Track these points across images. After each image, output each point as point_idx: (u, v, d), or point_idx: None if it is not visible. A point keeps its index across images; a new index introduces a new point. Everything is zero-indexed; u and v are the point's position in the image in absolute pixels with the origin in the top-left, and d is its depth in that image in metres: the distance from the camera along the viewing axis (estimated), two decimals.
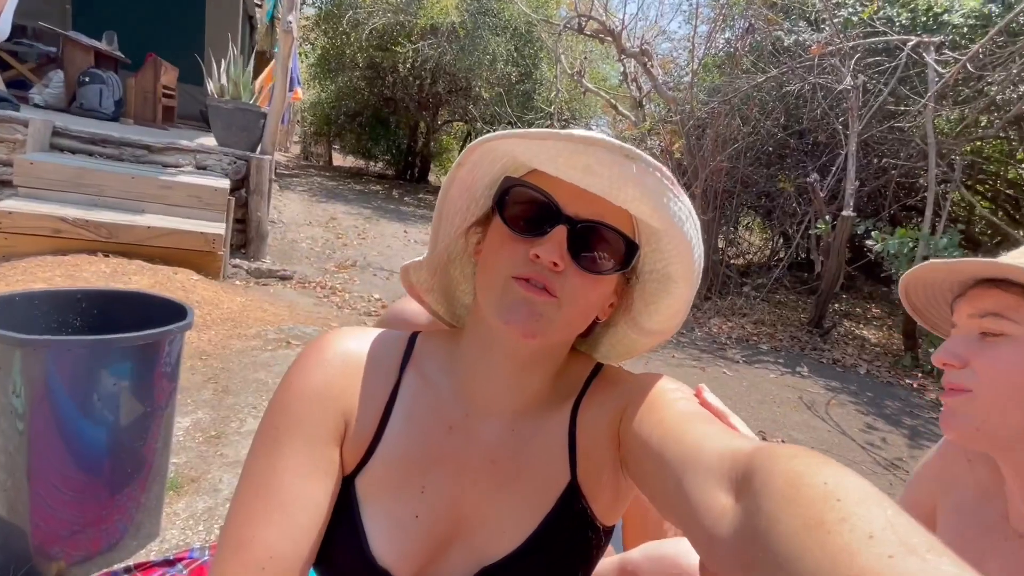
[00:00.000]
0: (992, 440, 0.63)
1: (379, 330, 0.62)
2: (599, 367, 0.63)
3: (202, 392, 2.20)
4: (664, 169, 0.44)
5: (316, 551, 0.52)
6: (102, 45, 5.61)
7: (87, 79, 5.26)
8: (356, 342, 0.59)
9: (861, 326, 5.84)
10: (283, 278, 4.35)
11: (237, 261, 4.25)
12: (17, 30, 4.96)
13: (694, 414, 0.51)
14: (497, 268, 0.51)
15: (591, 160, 0.44)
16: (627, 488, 0.60)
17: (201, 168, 4.29)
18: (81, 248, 3.28)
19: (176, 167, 4.18)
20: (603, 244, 0.50)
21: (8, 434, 1.24)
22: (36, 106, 5.01)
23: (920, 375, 4.44)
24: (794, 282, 6.43)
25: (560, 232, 0.49)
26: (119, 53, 5.88)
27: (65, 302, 1.37)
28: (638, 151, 0.43)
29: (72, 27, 5.92)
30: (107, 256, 3.29)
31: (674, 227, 0.48)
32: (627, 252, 0.52)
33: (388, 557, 0.53)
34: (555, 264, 0.49)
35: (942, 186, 4.68)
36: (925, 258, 4.24)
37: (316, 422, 0.54)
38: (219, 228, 3.72)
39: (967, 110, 4.65)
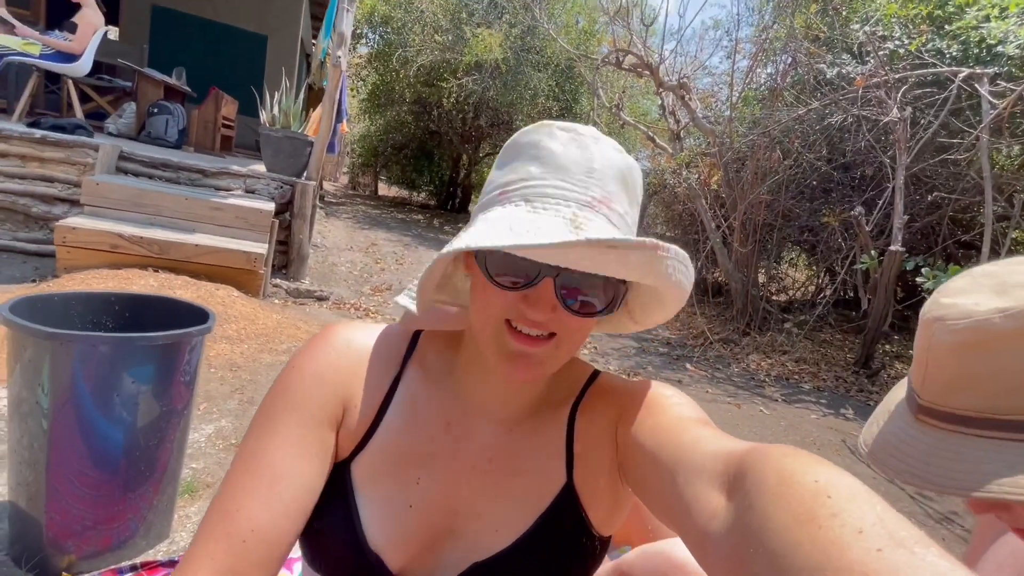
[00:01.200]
0: None
1: (384, 325, 0.64)
2: (596, 373, 0.64)
3: (228, 402, 2.27)
4: (648, 241, 0.42)
5: (300, 528, 0.53)
6: (171, 80, 6.08)
7: (156, 110, 5.69)
8: (362, 333, 0.60)
9: None
10: (320, 299, 4.48)
11: (277, 281, 4.42)
12: (98, 67, 5.45)
13: (689, 418, 0.51)
14: (488, 310, 0.50)
15: (572, 256, 0.44)
16: (625, 497, 0.60)
17: (250, 192, 4.53)
18: (135, 263, 3.49)
19: (227, 190, 4.43)
20: (592, 288, 0.50)
21: (34, 432, 1.31)
22: (109, 134, 5.45)
23: None
24: (840, 320, 6.13)
25: (547, 285, 0.48)
26: (186, 87, 6.35)
27: (99, 304, 1.45)
28: (622, 238, 0.41)
29: (147, 64, 6.45)
30: (156, 271, 3.48)
31: (666, 283, 0.48)
32: (616, 291, 0.51)
33: (380, 543, 0.54)
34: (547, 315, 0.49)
35: (1002, 223, 4.41)
36: None
37: (313, 403, 0.55)
38: (261, 248, 3.89)
39: None
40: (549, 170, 0.49)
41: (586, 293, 0.50)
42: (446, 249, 0.46)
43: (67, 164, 3.97)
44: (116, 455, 1.41)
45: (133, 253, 3.50)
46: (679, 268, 0.47)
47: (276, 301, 4.14)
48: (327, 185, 13.03)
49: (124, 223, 3.65)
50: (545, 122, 0.53)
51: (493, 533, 0.56)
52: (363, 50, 11.75)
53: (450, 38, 9.51)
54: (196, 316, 1.49)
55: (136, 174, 4.22)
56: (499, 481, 0.57)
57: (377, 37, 11.11)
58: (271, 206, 4.26)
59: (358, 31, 10.96)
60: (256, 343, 2.97)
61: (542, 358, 0.51)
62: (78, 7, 4.74)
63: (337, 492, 0.55)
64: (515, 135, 0.54)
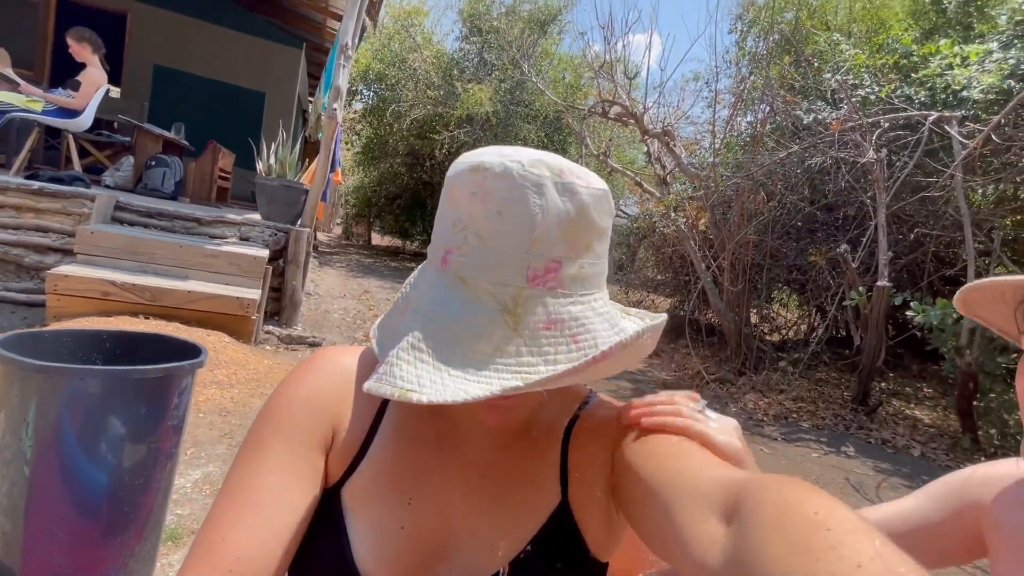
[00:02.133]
0: None
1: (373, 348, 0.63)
2: (591, 394, 0.63)
3: (216, 447, 2.20)
4: (568, 369, 0.41)
5: (290, 557, 0.50)
6: (170, 135, 6.24)
7: (153, 163, 5.80)
8: (349, 357, 0.59)
9: (912, 405, 5.45)
10: (312, 345, 4.44)
11: (270, 327, 4.39)
12: (98, 122, 5.59)
13: (687, 445, 0.50)
14: None
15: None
16: (620, 523, 0.58)
17: (244, 239, 4.56)
18: (126, 310, 3.47)
19: (222, 238, 4.46)
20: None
21: (14, 479, 1.26)
22: (106, 187, 5.52)
23: (983, 459, 4.05)
24: (834, 358, 6.13)
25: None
26: (184, 141, 6.51)
27: (89, 341, 1.44)
28: (537, 379, 0.41)
29: (147, 119, 6.63)
30: (148, 318, 3.45)
31: (619, 367, 0.47)
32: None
33: (371, 566, 0.51)
34: None
35: (984, 258, 4.52)
36: (972, 331, 4.02)
37: (302, 428, 0.53)
38: (254, 294, 3.89)
39: (1001, 183, 4.59)
40: (487, 240, 0.45)
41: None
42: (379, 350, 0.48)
43: (63, 215, 4.00)
44: (99, 500, 1.36)
45: (125, 300, 3.48)
46: (630, 348, 0.44)
47: (268, 347, 4.10)
48: (321, 235, 13.18)
49: (117, 271, 3.64)
50: (484, 162, 0.46)
51: (488, 553, 0.54)
52: (358, 106, 12.17)
53: (442, 93, 9.90)
54: (188, 353, 1.47)
55: (132, 223, 4.25)
56: (492, 498, 0.56)
57: (372, 93, 11.54)
58: (265, 252, 4.29)
59: (353, 88, 11.39)
60: (246, 388, 2.91)
61: (513, 406, 0.50)
62: (83, 66, 4.91)
63: (326, 518, 0.53)
64: (454, 173, 0.48)
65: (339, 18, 7.33)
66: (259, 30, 8.06)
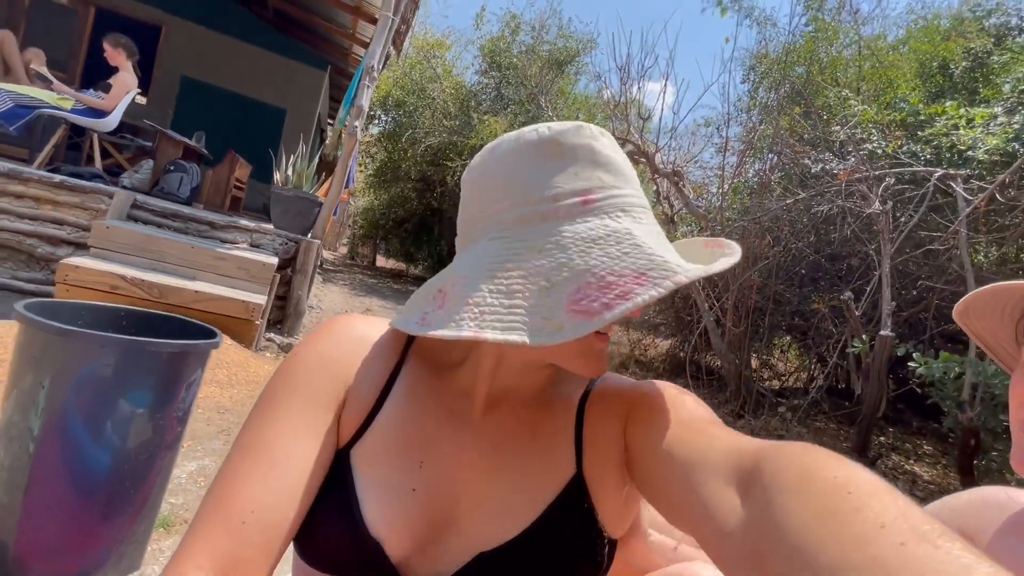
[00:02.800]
0: None
1: (387, 320, 0.63)
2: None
3: (213, 442, 2.18)
4: (737, 251, 0.52)
5: (304, 511, 0.50)
6: (191, 142, 6.37)
7: (172, 168, 5.90)
8: (365, 323, 0.61)
9: (912, 461, 5.37)
10: None
11: (271, 335, 4.39)
12: (122, 126, 5.72)
13: (700, 418, 0.51)
14: None
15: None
16: (632, 498, 0.58)
17: (255, 246, 4.61)
18: (132, 305, 3.47)
19: (233, 243, 4.51)
20: None
21: (17, 454, 1.27)
22: (123, 187, 5.60)
23: None
24: (833, 408, 6.07)
25: None
26: (204, 150, 6.64)
27: (108, 317, 1.45)
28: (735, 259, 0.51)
29: (170, 126, 6.78)
30: None
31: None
32: None
33: (380, 527, 0.51)
34: None
35: None
36: (974, 386, 4.00)
37: (315, 386, 0.54)
38: (260, 299, 3.90)
39: (1005, 244, 4.65)
40: (618, 178, 0.51)
41: None
42: (677, 276, 0.45)
43: (80, 209, 4.06)
44: (99, 480, 1.35)
45: (132, 295, 3.49)
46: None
47: (268, 354, 4.08)
48: (326, 253, 13.26)
49: (128, 266, 3.67)
50: (579, 124, 0.52)
51: (499, 523, 0.54)
52: (375, 130, 12.45)
53: (458, 123, 10.14)
54: (203, 336, 1.48)
55: (147, 222, 4.31)
56: (505, 468, 0.56)
57: (389, 119, 11.82)
58: (274, 260, 4.32)
59: (372, 112, 11.68)
60: (246, 389, 2.90)
61: (606, 350, 0.53)
62: (115, 71, 5.07)
63: (336, 478, 0.53)
64: (546, 135, 0.51)
65: (365, 45, 7.59)
66: (286, 50, 8.33)
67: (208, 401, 2.56)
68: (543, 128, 0.52)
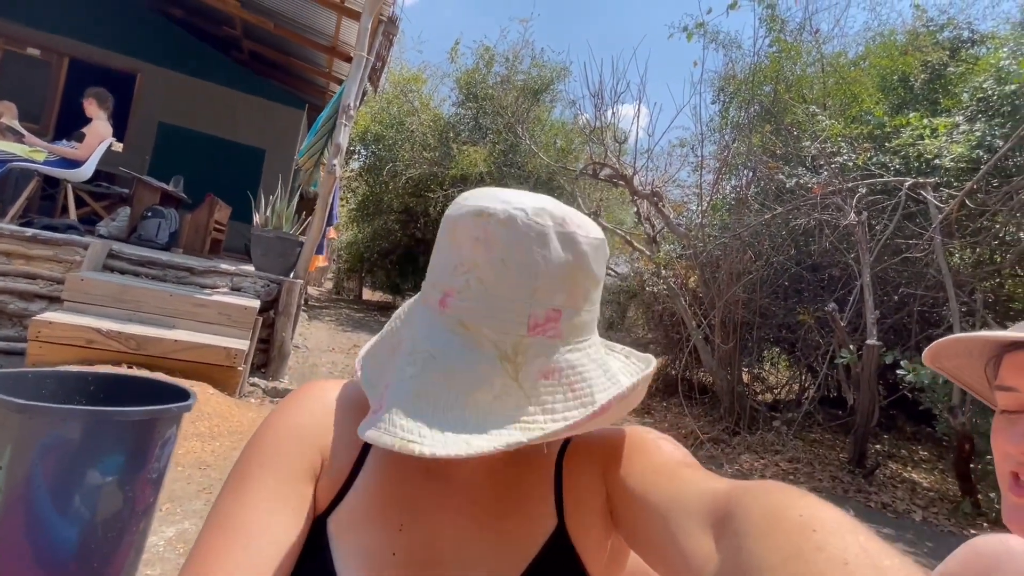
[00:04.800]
0: None
1: (358, 379, 0.63)
2: None
3: (193, 502, 2.09)
4: (568, 424, 0.44)
5: None
6: (168, 187, 6.33)
7: (149, 214, 5.85)
8: (336, 388, 0.60)
9: (909, 468, 5.36)
10: None
11: (255, 380, 4.29)
12: (97, 174, 5.67)
13: (677, 461, 0.50)
14: None
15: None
16: (621, 549, 0.57)
17: (236, 289, 4.54)
18: (109, 359, 3.39)
19: (213, 288, 4.44)
20: None
21: None
22: (100, 236, 5.53)
23: (986, 524, 3.95)
24: (828, 418, 6.07)
25: None
26: (182, 194, 6.60)
27: (73, 383, 1.39)
28: (536, 436, 0.43)
29: (147, 172, 6.74)
30: (131, 367, 3.37)
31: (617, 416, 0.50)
32: None
33: None
34: None
35: (968, 318, 4.60)
36: (963, 390, 4.03)
37: (289, 457, 0.52)
38: (242, 344, 3.82)
39: (978, 247, 4.75)
40: (490, 287, 0.45)
41: None
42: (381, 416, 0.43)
43: (54, 262, 3.98)
44: (66, 558, 1.27)
45: (108, 349, 3.40)
46: (626, 399, 0.47)
47: (253, 400, 3.99)
48: (311, 290, 13.16)
49: (103, 319, 3.59)
50: (488, 207, 0.46)
51: None
52: (355, 165, 12.51)
53: (437, 154, 10.23)
54: (175, 397, 1.43)
55: (123, 272, 4.23)
56: (486, 525, 0.54)
57: (369, 153, 11.90)
58: (256, 303, 4.26)
59: (352, 148, 11.75)
60: (229, 441, 2.81)
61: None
62: (89, 120, 5.04)
63: (313, 549, 0.51)
64: (453, 213, 0.49)
65: (341, 82, 7.67)
66: (263, 91, 8.39)
67: (188, 457, 2.47)
68: (461, 200, 0.50)
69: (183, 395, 1.40)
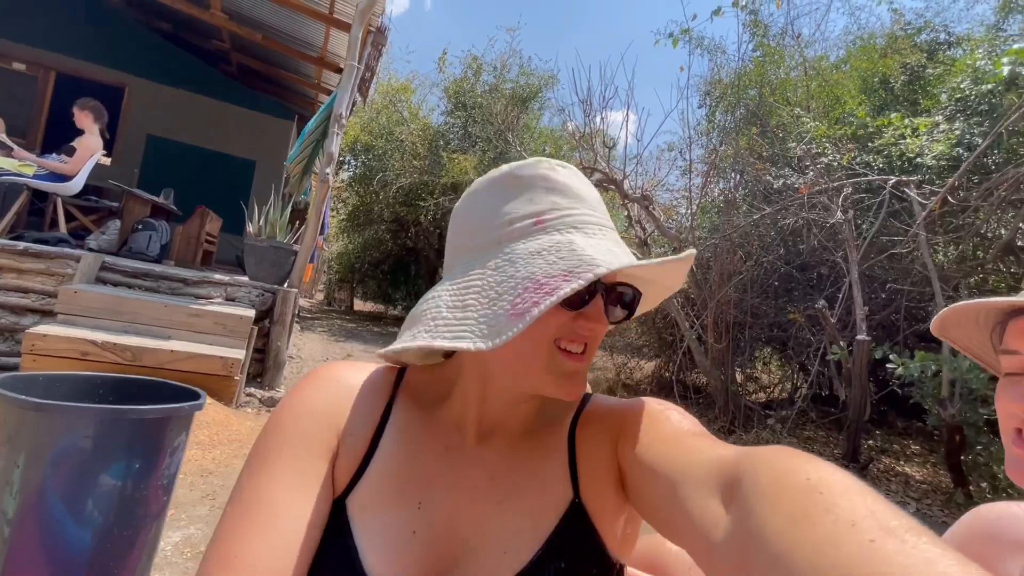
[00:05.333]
0: None
1: (372, 364, 0.64)
2: (589, 395, 0.65)
3: (198, 508, 2.09)
4: (690, 252, 0.55)
5: (306, 566, 0.49)
6: (159, 199, 6.30)
7: (140, 227, 5.81)
8: (350, 370, 0.61)
9: (902, 463, 5.43)
10: None
11: (251, 390, 4.27)
12: (86, 188, 5.64)
13: (687, 431, 0.52)
14: (540, 334, 0.51)
15: (647, 274, 0.58)
16: (634, 518, 0.59)
17: (231, 300, 4.52)
18: (105, 371, 3.35)
19: (207, 298, 4.42)
20: (623, 301, 0.56)
21: None
22: (90, 250, 5.48)
23: None
24: (821, 416, 6.14)
25: (599, 301, 0.53)
26: (172, 206, 6.57)
27: (84, 387, 1.40)
28: (685, 255, 0.54)
29: (137, 185, 6.71)
30: None
31: (681, 281, 0.59)
32: (636, 295, 0.57)
33: (382, 573, 0.50)
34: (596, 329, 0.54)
35: None
36: (952, 383, 4.10)
37: (307, 437, 0.54)
38: (239, 354, 3.81)
39: (962, 243, 4.86)
40: (573, 200, 0.54)
41: (619, 307, 0.56)
42: (584, 273, 0.46)
43: (46, 275, 3.95)
44: (80, 562, 1.27)
45: (104, 360, 3.38)
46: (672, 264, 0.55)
47: (249, 410, 3.97)
48: (303, 301, 13.09)
49: (98, 331, 3.56)
50: (539, 159, 0.57)
51: (502, 558, 0.53)
52: (345, 175, 12.52)
53: (427, 163, 10.27)
54: (185, 397, 1.44)
55: (116, 284, 4.21)
56: (503, 499, 0.55)
57: (359, 163, 11.91)
58: (251, 312, 4.25)
59: (342, 158, 11.76)
60: (229, 448, 2.80)
61: (584, 372, 0.54)
62: (79, 133, 5.02)
63: (334, 530, 0.52)
64: (506, 171, 0.56)
65: (330, 93, 7.70)
66: (252, 103, 8.40)
67: (190, 464, 2.46)
68: (504, 167, 0.57)
69: (194, 395, 1.41)
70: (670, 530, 0.46)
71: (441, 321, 0.50)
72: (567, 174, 0.56)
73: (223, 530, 0.48)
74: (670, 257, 0.52)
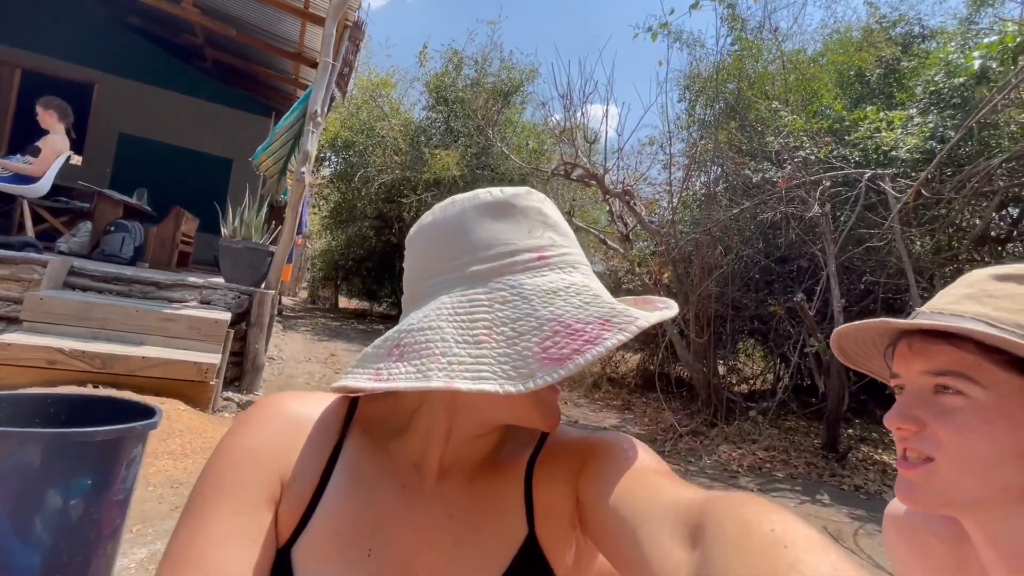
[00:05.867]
0: (959, 507, 0.58)
1: (322, 393, 0.60)
2: None
3: (166, 521, 2.04)
4: (673, 306, 0.54)
5: None
6: (131, 200, 6.16)
7: (112, 228, 5.68)
8: (295, 402, 0.57)
9: (880, 451, 5.52)
10: None
11: (229, 394, 4.20)
12: (55, 189, 5.49)
13: (650, 469, 0.50)
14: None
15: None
16: (589, 554, 0.57)
17: (206, 303, 4.44)
18: (73, 379, 3.27)
19: (182, 302, 4.33)
20: None
21: None
22: (60, 253, 5.35)
23: None
24: (802, 406, 6.22)
25: None
26: (147, 207, 6.43)
27: (31, 406, 1.35)
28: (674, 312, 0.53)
29: (109, 185, 6.55)
30: (96, 387, 3.26)
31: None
32: None
33: None
34: None
35: None
36: None
37: (246, 485, 0.50)
38: (214, 358, 3.74)
39: (936, 234, 4.94)
40: (566, 239, 0.55)
41: None
42: (620, 333, 0.46)
43: (11, 281, 3.84)
44: None
45: (72, 368, 3.29)
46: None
47: (227, 415, 3.90)
48: (286, 300, 12.93)
49: (66, 338, 3.47)
50: (528, 189, 0.56)
51: None
52: (326, 172, 12.36)
53: (409, 159, 10.18)
54: (141, 415, 1.40)
55: (85, 289, 4.10)
56: (461, 538, 0.54)
57: (340, 160, 11.77)
58: (227, 315, 4.17)
59: (322, 155, 11.61)
60: (202, 457, 2.74)
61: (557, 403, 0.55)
62: (45, 132, 4.88)
63: None
64: (500, 197, 0.54)
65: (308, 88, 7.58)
66: (228, 100, 8.24)
67: (160, 476, 2.41)
68: (496, 191, 0.55)
69: (148, 413, 1.36)
70: (626, 570, 0.45)
71: (453, 358, 0.45)
72: (556, 210, 0.57)
73: None
74: (669, 312, 0.52)
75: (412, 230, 0.57)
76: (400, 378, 0.45)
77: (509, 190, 0.54)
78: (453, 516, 0.54)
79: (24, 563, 1.22)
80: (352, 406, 0.58)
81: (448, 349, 0.46)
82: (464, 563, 0.53)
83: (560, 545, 0.54)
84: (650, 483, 0.47)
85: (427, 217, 0.56)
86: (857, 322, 0.64)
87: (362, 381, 0.47)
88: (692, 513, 0.39)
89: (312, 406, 0.56)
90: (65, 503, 1.24)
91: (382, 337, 0.51)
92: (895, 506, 0.74)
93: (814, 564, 0.30)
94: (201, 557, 0.46)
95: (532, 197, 0.54)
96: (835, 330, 0.67)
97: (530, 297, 0.48)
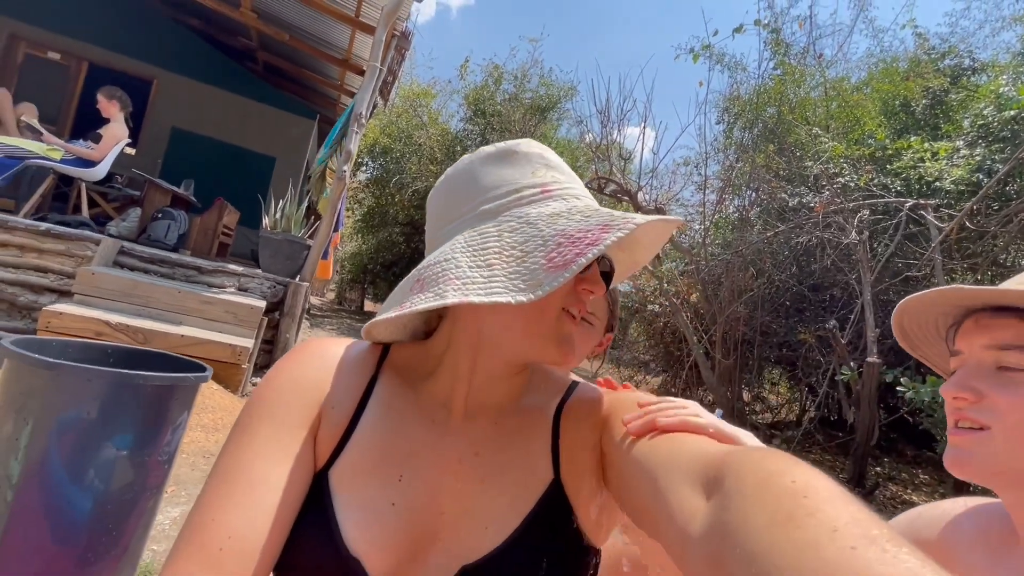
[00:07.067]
0: (1010, 479, 0.58)
1: (357, 340, 0.64)
2: (577, 382, 0.66)
3: (197, 487, 2.11)
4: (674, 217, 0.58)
5: (282, 536, 0.50)
6: (179, 190, 6.42)
7: (159, 215, 5.92)
8: (334, 344, 0.61)
9: (909, 491, 5.32)
10: None
11: (257, 380, 4.31)
12: (110, 175, 5.76)
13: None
14: (550, 298, 0.53)
15: (645, 238, 0.62)
16: (610, 506, 0.58)
17: (243, 290, 4.59)
18: None
19: (220, 287, 4.48)
20: (605, 271, 0.59)
21: None
22: (110, 235, 5.59)
23: None
24: (827, 439, 6.05)
25: (595, 267, 0.56)
26: (192, 197, 6.69)
27: (95, 355, 1.43)
28: (675, 218, 0.57)
29: (159, 175, 6.84)
30: None
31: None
32: (612, 269, 0.61)
33: (360, 545, 0.50)
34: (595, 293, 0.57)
35: None
36: None
37: (289, 409, 0.54)
38: (247, 342, 3.85)
39: (978, 270, 4.80)
40: (570, 178, 0.59)
41: (610, 269, 0.59)
42: (615, 231, 0.48)
43: (65, 256, 4.04)
44: (80, 526, 1.30)
45: (117, 340, 3.44)
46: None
47: None
48: (314, 299, 13.20)
49: (112, 312, 3.63)
50: (530, 140, 0.60)
51: (482, 532, 0.53)
52: (362, 176, 12.66)
53: (444, 167, 10.35)
54: (191, 369, 1.47)
55: (133, 268, 4.29)
56: (486, 476, 0.56)
57: (377, 166, 12.05)
58: (262, 303, 4.30)
59: (360, 160, 11.91)
60: None
61: (577, 336, 0.57)
62: (106, 123, 5.15)
63: (314, 501, 0.52)
64: (503, 146, 0.59)
65: (352, 95, 7.82)
66: (276, 101, 8.55)
67: (193, 446, 2.49)
68: (499, 143, 0.60)
69: (199, 368, 1.43)
70: (647, 520, 0.46)
71: (467, 279, 0.49)
72: (556, 156, 0.61)
73: (202, 500, 0.49)
74: (671, 216, 0.55)
75: (430, 193, 0.63)
76: (420, 302, 0.49)
77: (511, 141, 0.59)
78: (479, 454, 0.57)
79: (77, 505, 1.29)
80: (384, 352, 0.62)
81: (462, 274, 0.50)
82: (489, 501, 0.54)
83: (584, 496, 0.56)
84: (673, 436, 0.48)
85: (440, 179, 0.62)
86: (924, 292, 0.63)
87: (389, 312, 0.52)
88: (713, 464, 0.40)
89: (349, 349, 0.61)
90: (116, 453, 1.31)
91: (405, 279, 0.56)
92: (917, 531, 0.70)
93: (833, 514, 0.29)
94: (247, 468, 0.50)
95: (533, 144, 0.59)
96: (899, 304, 0.66)
97: (535, 222, 0.52)
